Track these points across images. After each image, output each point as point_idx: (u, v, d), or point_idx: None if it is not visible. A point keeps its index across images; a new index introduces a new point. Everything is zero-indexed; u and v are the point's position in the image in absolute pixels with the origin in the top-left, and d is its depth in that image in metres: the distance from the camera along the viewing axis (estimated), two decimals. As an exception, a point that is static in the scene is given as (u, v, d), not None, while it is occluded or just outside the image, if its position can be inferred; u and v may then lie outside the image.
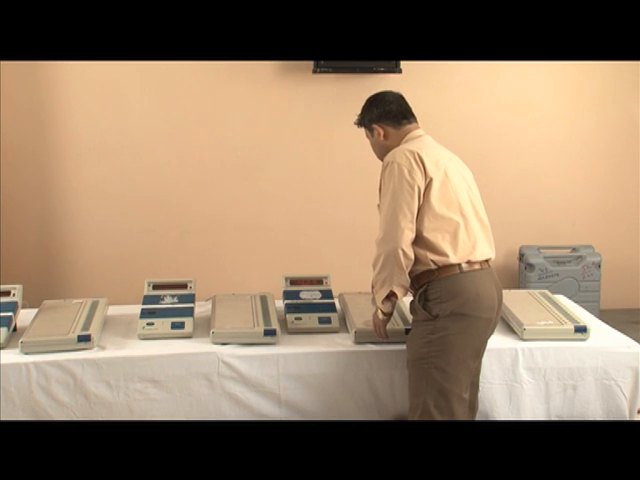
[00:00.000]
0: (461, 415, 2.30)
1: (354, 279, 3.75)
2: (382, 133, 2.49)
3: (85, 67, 4.25)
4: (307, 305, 2.89)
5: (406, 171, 2.29)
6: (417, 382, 2.33)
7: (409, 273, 2.33)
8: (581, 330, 2.68)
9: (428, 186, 2.30)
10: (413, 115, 2.51)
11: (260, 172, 4.58)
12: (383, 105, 2.49)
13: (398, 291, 2.34)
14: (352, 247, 4.62)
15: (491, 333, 2.43)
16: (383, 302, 2.39)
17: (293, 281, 3.04)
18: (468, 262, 2.30)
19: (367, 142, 2.61)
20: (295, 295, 2.96)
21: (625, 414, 2.66)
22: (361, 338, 2.64)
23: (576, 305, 3.15)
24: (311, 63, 4.36)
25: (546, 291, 3.14)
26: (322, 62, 4.31)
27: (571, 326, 2.69)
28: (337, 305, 2.94)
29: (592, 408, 2.66)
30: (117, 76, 4.35)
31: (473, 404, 2.46)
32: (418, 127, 2.50)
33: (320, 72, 4.37)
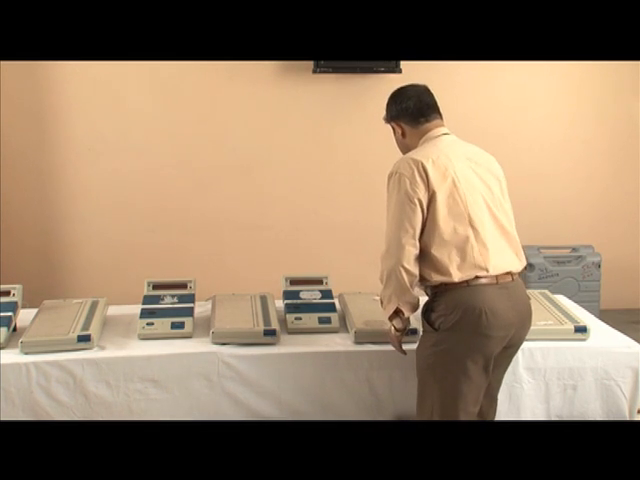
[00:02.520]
0: None
1: (354, 279, 3.75)
2: (400, 131, 2.41)
3: (85, 67, 4.25)
4: (307, 305, 2.89)
5: (408, 183, 2.21)
6: (423, 390, 2.31)
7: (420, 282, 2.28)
8: (581, 330, 2.68)
9: (432, 200, 2.21)
10: (436, 111, 2.39)
11: (260, 172, 4.59)
12: (401, 101, 2.39)
13: (404, 308, 2.27)
14: (352, 247, 4.62)
15: (513, 350, 2.35)
16: (392, 318, 2.33)
17: (293, 281, 3.03)
18: (476, 278, 2.20)
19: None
20: (295, 295, 2.96)
21: (625, 414, 2.66)
22: (361, 338, 2.64)
23: (576, 305, 3.15)
24: (311, 63, 4.36)
25: (546, 291, 3.14)
26: (322, 62, 4.31)
27: (571, 326, 2.69)
28: (337, 305, 2.94)
29: (592, 408, 2.66)
30: (117, 76, 4.35)
31: (488, 417, 2.40)
32: (440, 125, 2.38)
33: (320, 72, 4.37)
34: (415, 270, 2.23)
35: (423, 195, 2.21)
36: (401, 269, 2.21)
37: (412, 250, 2.21)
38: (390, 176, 2.29)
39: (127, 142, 4.46)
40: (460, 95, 4.59)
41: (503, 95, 4.69)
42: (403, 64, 4.32)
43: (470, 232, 2.22)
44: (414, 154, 2.30)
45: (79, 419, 2.48)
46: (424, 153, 2.29)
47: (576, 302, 3.25)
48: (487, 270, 2.20)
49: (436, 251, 2.21)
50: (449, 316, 2.20)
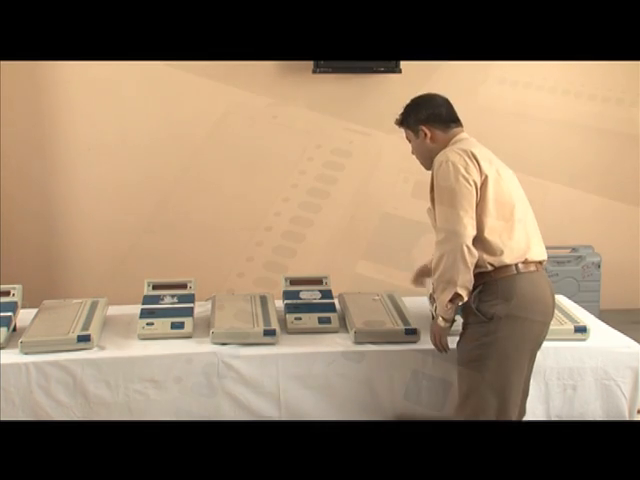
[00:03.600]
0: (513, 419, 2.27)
1: (354, 279, 3.75)
2: (429, 135, 2.43)
3: (85, 67, 4.24)
4: (307, 305, 2.88)
5: (462, 168, 2.25)
6: (470, 385, 2.30)
7: None
8: (581, 330, 2.68)
9: (484, 184, 2.26)
10: (459, 120, 2.48)
11: (260, 172, 4.58)
12: (432, 107, 2.45)
13: (463, 292, 2.24)
14: (352, 247, 4.61)
15: (544, 337, 2.38)
16: (447, 305, 2.29)
17: (293, 281, 3.03)
18: (524, 262, 2.27)
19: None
20: (295, 295, 2.95)
21: (625, 414, 2.66)
22: (361, 338, 2.64)
23: (576, 305, 3.15)
24: (311, 63, 4.35)
25: (546, 291, 3.13)
26: (322, 62, 4.31)
27: (571, 326, 2.69)
28: (337, 305, 2.94)
29: (592, 408, 2.66)
30: (117, 76, 4.34)
31: (522, 411, 2.41)
32: (463, 131, 2.47)
33: (320, 72, 4.36)
34: (475, 251, 2.23)
35: (477, 178, 2.26)
36: (465, 248, 2.20)
37: (472, 230, 2.23)
38: (439, 166, 2.31)
39: (127, 142, 4.46)
40: (459, 95, 4.56)
41: (503, 95, 4.68)
42: (403, 64, 4.32)
43: (516, 217, 2.30)
44: (457, 146, 2.35)
45: (79, 419, 2.48)
46: (465, 146, 2.34)
47: (576, 302, 3.25)
48: (532, 256, 2.30)
49: (486, 233, 2.25)
50: (502, 305, 2.23)
